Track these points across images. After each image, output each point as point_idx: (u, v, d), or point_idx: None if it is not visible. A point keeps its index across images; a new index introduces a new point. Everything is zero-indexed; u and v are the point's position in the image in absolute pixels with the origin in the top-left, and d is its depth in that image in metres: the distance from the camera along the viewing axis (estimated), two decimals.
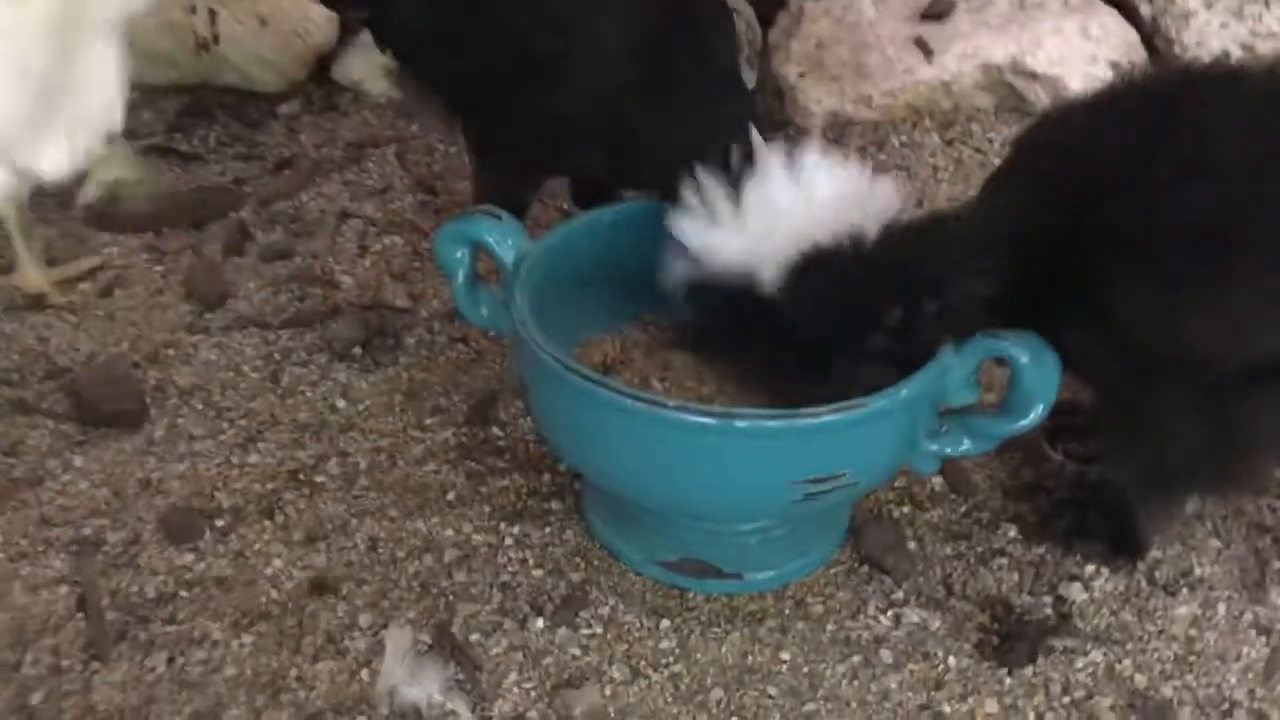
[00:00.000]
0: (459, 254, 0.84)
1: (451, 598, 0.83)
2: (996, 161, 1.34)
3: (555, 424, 0.79)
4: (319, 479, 0.91)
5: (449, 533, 0.87)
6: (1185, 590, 0.84)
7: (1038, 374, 0.75)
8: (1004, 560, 0.86)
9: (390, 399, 0.98)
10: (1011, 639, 0.80)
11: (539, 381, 0.78)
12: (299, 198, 1.20)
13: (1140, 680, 0.79)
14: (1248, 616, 0.83)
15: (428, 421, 0.96)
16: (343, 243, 1.15)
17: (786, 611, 0.82)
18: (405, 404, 0.98)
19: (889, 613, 0.82)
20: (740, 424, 0.71)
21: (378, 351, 1.02)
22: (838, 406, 0.71)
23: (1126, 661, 0.80)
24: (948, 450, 0.80)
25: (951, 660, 0.79)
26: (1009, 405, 0.77)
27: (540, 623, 0.81)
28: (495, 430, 0.96)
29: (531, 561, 0.85)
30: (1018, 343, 0.75)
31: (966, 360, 0.77)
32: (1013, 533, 0.88)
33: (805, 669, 0.79)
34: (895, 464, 0.80)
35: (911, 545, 0.87)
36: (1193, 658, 0.80)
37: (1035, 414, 0.76)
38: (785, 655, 0.80)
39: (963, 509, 0.90)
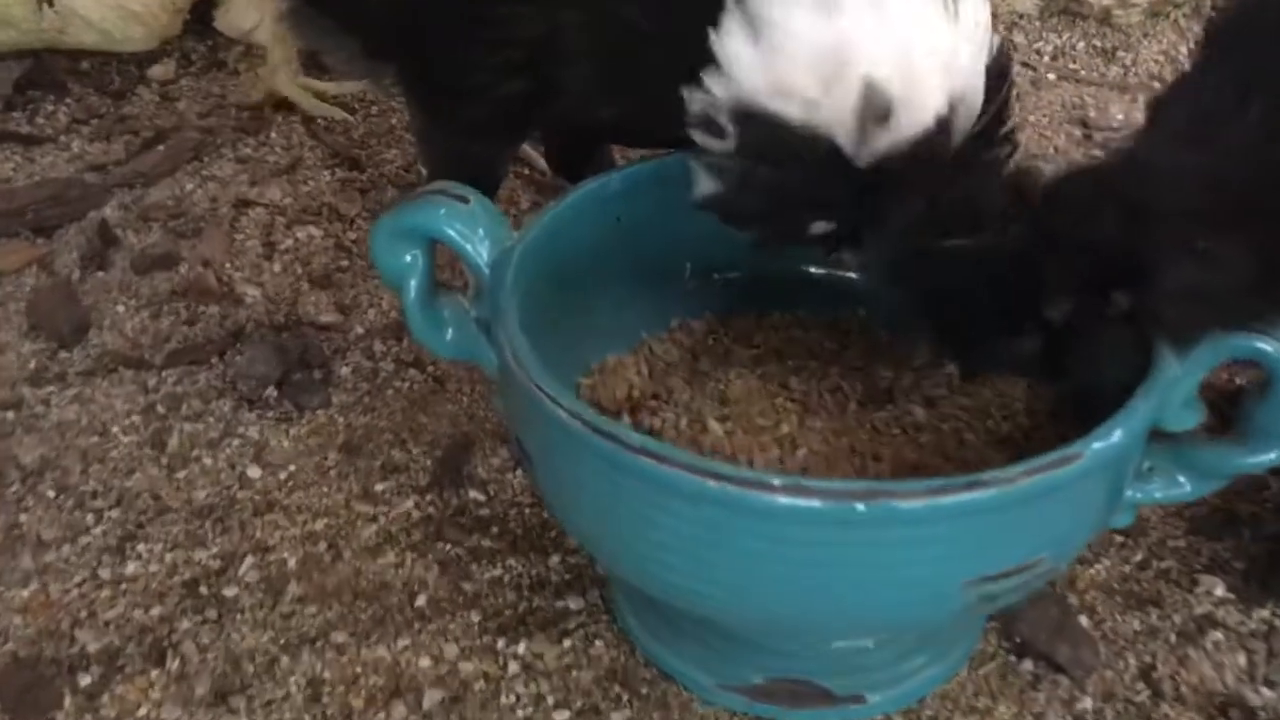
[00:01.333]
0: (409, 257, 0.57)
1: None
2: (1051, 77, 1.10)
3: (577, 509, 0.52)
4: (229, 592, 0.63)
5: (425, 661, 0.60)
6: None
7: None
8: (1219, 635, 0.61)
9: (323, 459, 0.70)
10: None
11: (548, 447, 0.51)
12: (180, 185, 0.92)
13: None
14: None
15: (378, 488, 0.69)
16: (242, 241, 0.86)
17: None
18: (344, 465, 0.70)
19: None
20: (906, 505, 0.44)
21: (300, 391, 0.74)
22: (1045, 462, 0.45)
23: None
24: (1157, 495, 0.54)
25: None
26: (1258, 428, 0.52)
27: None
28: (474, 493, 0.69)
29: (551, 698, 0.58)
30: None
31: (1196, 368, 0.51)
32: (1220, 590, 0.63)
33: None
34: (1099, 529, 0.54)
35: (1083, 620, 0.61)
36: None
37: None
38: None
39: (1137, 558, 0.65)
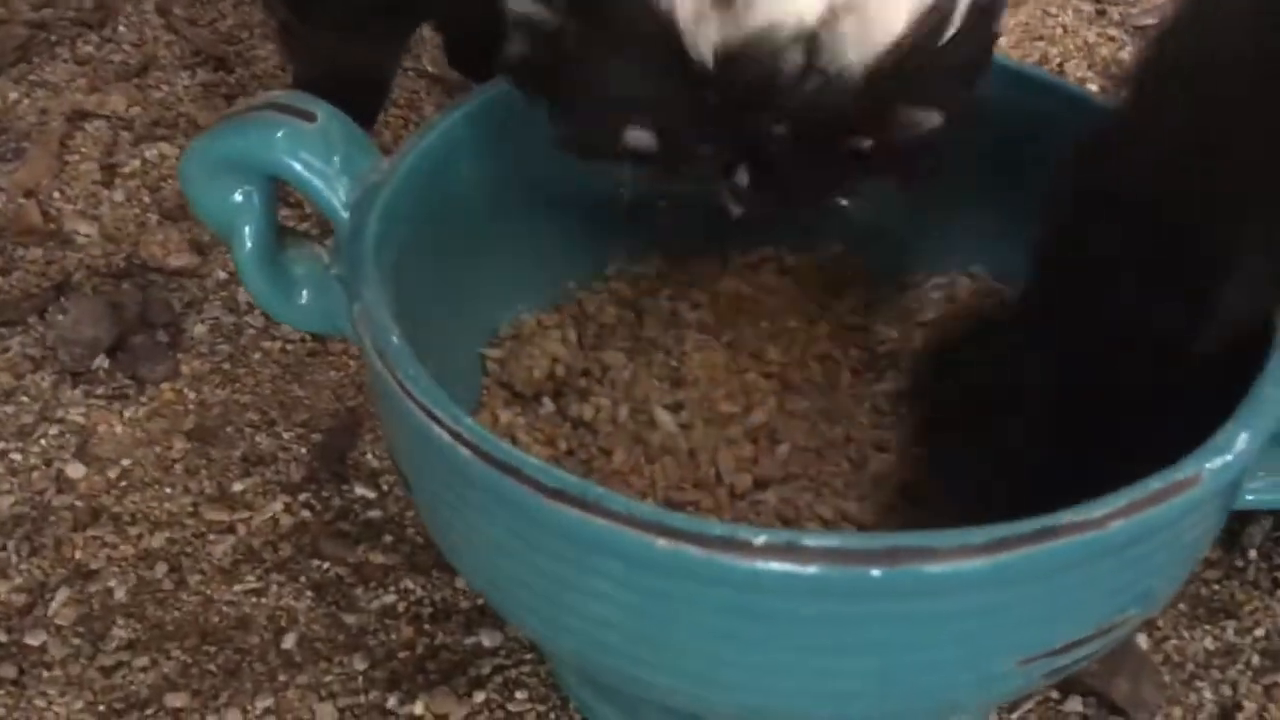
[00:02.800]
0: (238, 196, 0.41)
1: None
2: None
3: (476, 564, 0.37)
4: (34, 639, 0.48)
5: None
6: None
7: None
8: None
9: (166, 449, 0.55)
10: None
11: (432, 481, 0.36)
12: (1, 95, 0.74)
13: None
14: None
15: (237, 487, 0.54)
16: (76, 164, 0.69)
17: None
18: (194, 457, 0.55)
19: None
20: (943, 569, 0.29)
21: (140, 359, 0.59)
22: (1148, 495, 0.31)
23: None
24: (1259, 498, 0.40)
25: None
26: None
27: None
28: (360, 489, 0.54)
29: None
30: None
31: None
32: None
33: None
34: (1198, 563, 0.40)
35: (1142, 641, 0.48)
36: None
37: None
38: None
39: (1219, 571, 0.51)
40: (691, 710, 0.36)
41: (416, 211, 0.42)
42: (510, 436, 0.43)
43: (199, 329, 0.61)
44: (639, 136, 0.38)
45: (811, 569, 0.29)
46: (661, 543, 0.30)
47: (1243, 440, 0.33)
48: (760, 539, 0.29)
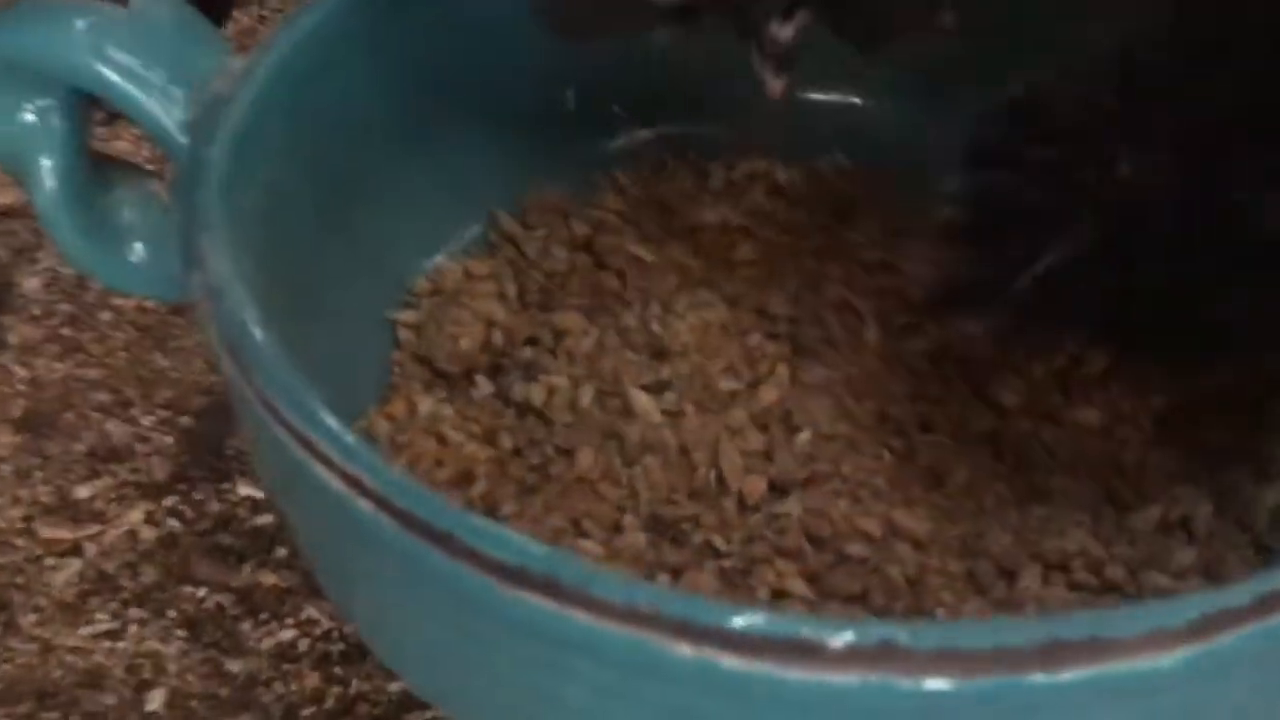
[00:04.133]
0: (27, 115, 0.29)
1: None
2: None
3: (387, 640, 0.26)
4: None
5: None
6: None
7: None
8: None
9: None
10: None
11: (321, 530, 0.25)
12: None
13: None
14: None
15: (82, 492, 0.42)
16: None
17: None
18: (25, 453, 0.43)
19: None
20: (1055, 679, 0.19)
21: None
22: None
23: None
24: None
25: None
26: None
27: None
28: (244, 487, 0.42)
29: None
30: None
31: None
32: None
33: None
34: None
35: None
36: None
37: None
38: None
39: None
40: None
41: (287, 131, 0.30)
42: (435, 433, 0.32)
43: (30, 284, 0.48)
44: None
45: (927, 683, 0.19)
46: (684, 650, 0.19)
47: None
48: (840, 639, 0.19)
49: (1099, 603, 0.29)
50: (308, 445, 0.22)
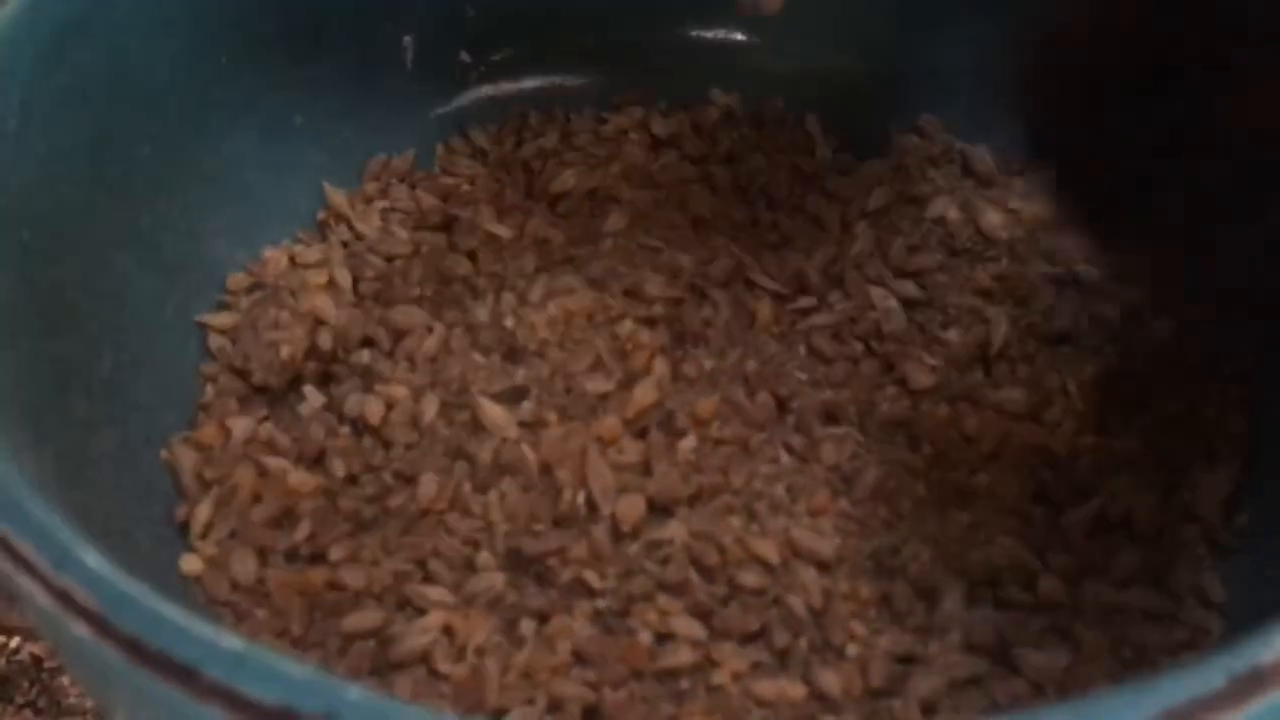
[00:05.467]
0: None
1: None
2: None
3: None
4: None
5: None
6: None
7: None
8: None
9: None
10: None
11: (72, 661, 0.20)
12: None
13: None
14: None
15: None
16: None
17: None
18: None
19: None
20: None
21: None
22: None
23: None
24: None
25: None
26: None
27: None
28: None
29: None
30: None
31: None
32: None
33: None
34: None
35: None
36: None
37: None
38: None
39: None
40: None
41: (53, 85, 0.25)
42: (253, 461, 0.27)
43: None
44: None
45: None
46: None
47: None
48: None
49: (1030, 624, 0.25)
50: (23, 562, 0.16)
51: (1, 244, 0.25)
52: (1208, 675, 0.15)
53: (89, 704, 0.33)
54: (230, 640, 0.15)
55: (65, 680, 0.33)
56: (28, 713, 0.33)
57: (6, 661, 0.34)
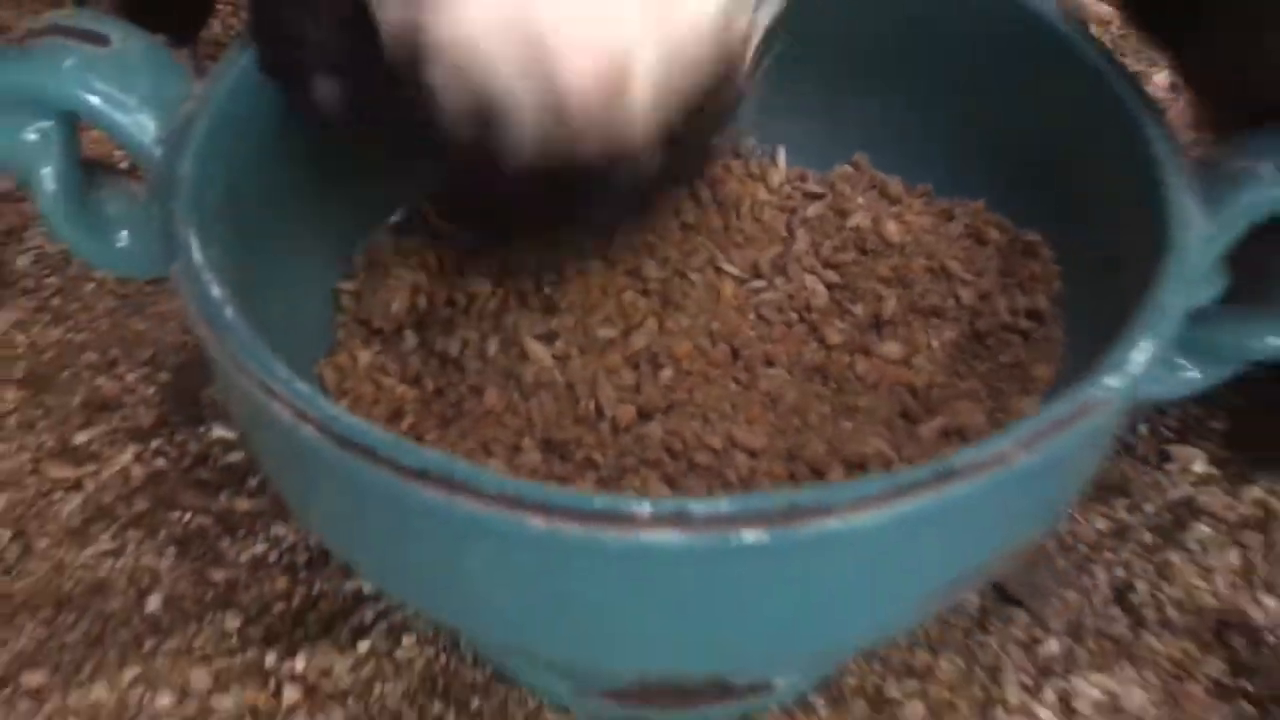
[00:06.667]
0: (32, 135, 0.36)
1: None
2: None
3: (342, 542, 0.34)
4: None
5: (165, 699, 0.43)
6: None
7: None
8: (1205, 531, 0.48)
9: None
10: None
11: (281, 460, 0.33)
12: None
13: None
14: None
15: (80, 438, 0.50)
16: None
17: None
18: (29, 407, 0.50)
19: (1048, 687, 0.44)
20: (843, 525, 0.27)
21: None
22: (1051, 422, 0.29)
23: None
24: (1155, 389, 0.39)
25: None
26: None
27: None
28: (218, 429, 0.50)
29: None
30: None
31: (1237, 219, 0.35)
32: (1199, 465, 0.50)
33: None
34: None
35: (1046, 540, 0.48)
36: None
37: None
38: None
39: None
40: (583, 669, 0.34)
41: (244, 138, 0.37)
42: (372, 379, 0.40)
43: (22, 260, 0.55)
44: (326, 87, 0.34)
45: (699, 537, 0.27)
46: (537, 522, 0.27)
47: (1146, 352, 0.31)
48: (645, 509, 0.27)
49: None
50: (268, 391, 0.29)
51: (209, 234, 0.37)
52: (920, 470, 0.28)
53: (241, 558, 0.46)
54: (390, 436, 0.28)
55: (226, 542, 0.46)
56: (199, 563, 0.46)
57: (183, 530, 0.47)
